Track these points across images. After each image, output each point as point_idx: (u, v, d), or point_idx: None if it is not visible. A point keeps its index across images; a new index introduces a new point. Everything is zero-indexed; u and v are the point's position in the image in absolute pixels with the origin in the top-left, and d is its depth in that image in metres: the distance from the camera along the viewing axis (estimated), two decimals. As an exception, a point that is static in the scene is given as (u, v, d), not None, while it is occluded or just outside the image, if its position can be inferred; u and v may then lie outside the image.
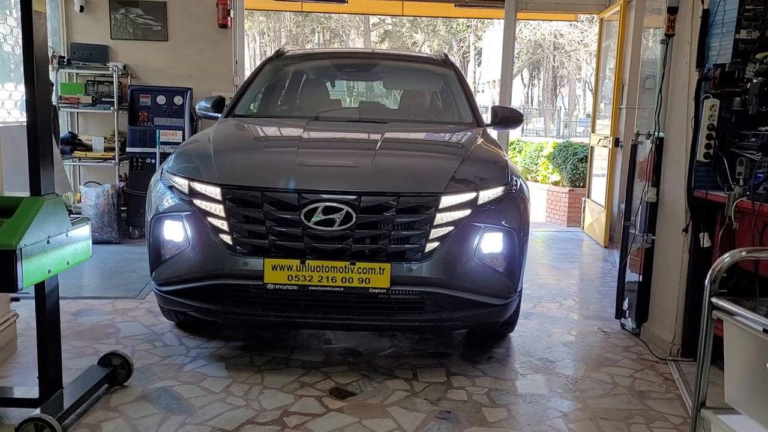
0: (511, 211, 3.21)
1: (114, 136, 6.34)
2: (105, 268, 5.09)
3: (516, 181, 3.34)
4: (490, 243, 3.08)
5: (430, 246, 2.97)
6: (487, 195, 3.11)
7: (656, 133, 3.76)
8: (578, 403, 2.93)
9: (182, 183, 3.13)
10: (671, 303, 3.61)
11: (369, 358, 3.34)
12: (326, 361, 3.29)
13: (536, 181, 10.97)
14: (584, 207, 7.72)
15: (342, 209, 2.91)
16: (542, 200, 9.93)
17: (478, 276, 3.05)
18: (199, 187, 3.07)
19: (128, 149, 6.18)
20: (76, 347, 3.37)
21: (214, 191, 3.02)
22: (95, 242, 5.86)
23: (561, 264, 5.86)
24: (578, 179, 9.30)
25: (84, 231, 2.77)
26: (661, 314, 3.72)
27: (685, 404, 2.96)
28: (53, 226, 2.54)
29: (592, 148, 7.58)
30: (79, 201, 6.10)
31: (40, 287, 2.56)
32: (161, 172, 3.35)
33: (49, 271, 2.50)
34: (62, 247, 2.58)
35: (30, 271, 2.34)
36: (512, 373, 3.25)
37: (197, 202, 3.05)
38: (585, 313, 4.35)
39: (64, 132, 6.38)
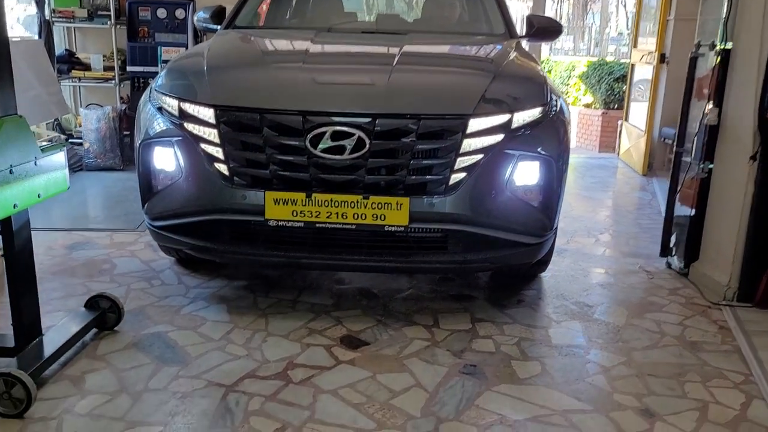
0: (550, 136, 2.77)
1: (113, 53, 5.89)
2: (106, 197, 4.79)
3: (556, 101, 2.88)
4: (525, 173, 2.66)
5: (455, 177, 2.57)
6: (522, 117, 2.67)
7: (722, 44, 3.23)
8: (621, 356, 2.59)
9: (172, 104, 2.73)
10: (728, 241, 3.19)
11: (385, 301, 3.02)
12: (337, 304, 2.97)
13: (567, 103, 10.35)
14: (620, 131, 7.17)
15: (353, 134, 2.50)
16: (574, 123, 9.36)
17: (509, 211, 2.66)
18: (190, 108, 2.67)
19: (128, 68, 5.75)
20: (68, 285, 3.09)
21: (207, 113, 2.62)
22: (97, 169, 5.56)
23: (595, 194, 5.41)
24: (613, 101, 8.69)
25: (58, 158, 2.39)
26: (715, 253, 3.31)
27: (744, 358, 2.60)
28: (17, 153, 2.17)
29: (632, 65, 6.94)
30: (81, 125, 5.74)
31: (6, 224, 2.23)
32: (150, 91, 2.95)
33: (15, 206, 2.15)
34: (30, 178, 2.22)
35: (-10, 206, 2.01)
36: (545, 319, 2.90)
37: (189, 125, 2.66)
38: (624, 249, 3.95)
39: (60, 49, 5.95)
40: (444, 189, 2.57)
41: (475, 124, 2.57)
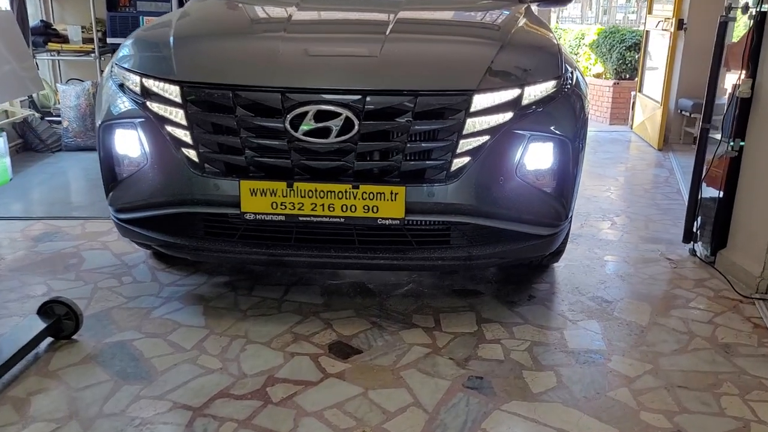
0: (566, 113, 2.43)
1: (92, 24, 5.51)
2: (84, 180, 4.47)
3: (571, 73, 2.53)
4: (537, 156, 2.33)
5: (457, 162, 2.24)
6: (533, 92, 2.33)
7: (758, 6, 2.86)
8: (646, 363, 2.28)
9: (134, 80, 2.39)
10: (761, 227, 2.87)
11: (381, 299, 2.71)
12: (328, 303, 2.67)
13: (583, 75, 9.89)
14: (634, 103, 6.79)
15: (340, 114, 2.17)
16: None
17: (520, 200, 2.33)
18: (153, 85, 2.33)
19: (109, 40, 5.39)
20: (27, 284, 2.79)
21: (173, 91, 2.28)
22: (77, 149, 5.22)
23: (609, 171, 5.07)
24: (625, 70, 8.26)
25: (-5, 147, 2.07)
26: (746, 240, 2.99)
27: (785, 364, 2.30)
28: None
29: (647, 32, 6.54)
30: (60, 102, 5.40)
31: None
32: (111, 65, 2.61)
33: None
34: (-41, 171, 1.90)
35: None
36: (559, 318, 2.60)
37: (153, 105, 2.32)
38: (643, 234, 3.63)
39: (34, 20, 5.57)
40: (445, 176, 2.24)
41: (480, 101, 2.23)
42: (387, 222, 2.25)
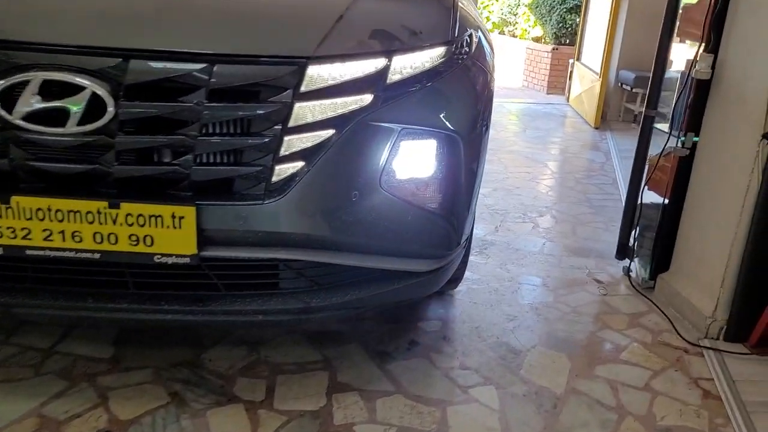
0: (459, 95, 1.67)
1: None
2: None
3: (471, 36, 1.75)
4: (414, 159, 1.57)
5: (283, 169, 1.44)
6: (409, 63, 1.54)
7: (728, -43, 2.13)
8: (557, 465, 1.58)
9: None
10: (718, 249, 2.20)
11: (200, 350, 1.91)
12: (119, 355, 1.85)
13: (514, 36, 9.18)
14: (572, 72, 6.10)
15: (83, 88, 1.32)
16: (520, 60, 8.25)
17: (386, 223, 1.57)
18: None
19: None
20: None
21: None
22: None
23: (538, 153, 4.37)
24: (565, 35, 7.59)
25: None
26: (694, 264, 2.33)
27: (744, 461, 1.64)
28: None
29: (588, -7, 5.82)
30: None
31: None
32: None
33: None
34: None
35: None
36: (445, 383, 1.86)
37: None
38: (569, 242, 2.95)
39: None
40: (264, 190, 1.44)
41: (318, 75, 1.42)
42: (170, 260, 1.44)
